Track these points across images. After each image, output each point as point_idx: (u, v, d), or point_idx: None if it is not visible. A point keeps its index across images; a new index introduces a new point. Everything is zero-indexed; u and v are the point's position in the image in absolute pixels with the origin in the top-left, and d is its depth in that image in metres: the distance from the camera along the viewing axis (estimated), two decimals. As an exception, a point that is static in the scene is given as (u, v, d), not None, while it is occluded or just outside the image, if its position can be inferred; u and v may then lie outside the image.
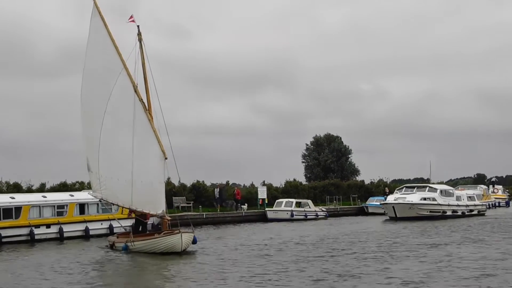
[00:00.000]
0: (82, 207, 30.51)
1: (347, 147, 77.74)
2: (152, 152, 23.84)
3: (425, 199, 44.42)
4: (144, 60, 24.38)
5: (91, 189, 27.22)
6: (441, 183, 69.33)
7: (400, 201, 43.86)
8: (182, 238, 21.35)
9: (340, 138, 78.25)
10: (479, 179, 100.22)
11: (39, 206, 29.20)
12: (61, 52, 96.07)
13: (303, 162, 79.69)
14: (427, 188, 47.20)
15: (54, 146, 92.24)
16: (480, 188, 68.82)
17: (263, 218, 43.65)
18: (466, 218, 44.10)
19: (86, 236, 29.70)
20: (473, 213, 48.15)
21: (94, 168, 25.45)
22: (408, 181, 68.40)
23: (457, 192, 49.83)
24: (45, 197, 30.64)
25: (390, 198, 45.39)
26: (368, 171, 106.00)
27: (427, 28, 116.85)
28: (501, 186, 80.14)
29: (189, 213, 38.16)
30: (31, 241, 27.86)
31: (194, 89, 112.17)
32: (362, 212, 52.45)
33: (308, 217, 44.93)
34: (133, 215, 26.06)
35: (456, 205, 46.64)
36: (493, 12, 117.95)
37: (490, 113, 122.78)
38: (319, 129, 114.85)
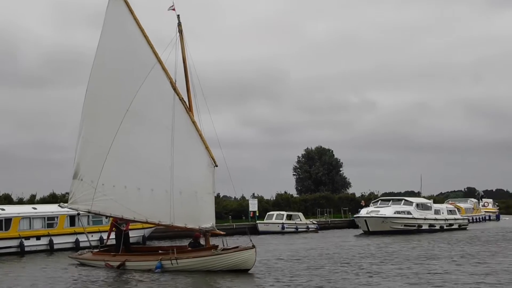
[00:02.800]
0: (72, 219, 30.54)
1: (338, 160, 78.26)
2: (197, 158, 20.99)
3: (399, 212, 43.90)
4: (185, 54, 21.43)
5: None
6: (432, 196, 69.91)
7: (373, 214, 43.23)
8: (256, 254, 19.41)
9: (332, 151, 78.85)
10: (470, 193, 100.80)
11: (29, 218, 29.28)
12: (48, 62, 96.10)
13: (294, 174, 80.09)
14: (403, 201, 46.67)
15: (43, 157, 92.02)
16: (471, 202, 69.49)
17: (254, 231, 43.78)
18: (444, 233, 43.74)
19: (76, 248, 29.58)
20: (453, 227, 47.74)
21: (88, 176, 22.36)
22: (399, 194, 68.79)
23: (436, 206, 49.29)
24: (35, 208, 30.79)
25: (363, 211, 44.80)
26: (359, 184, 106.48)
27: (415, 39, 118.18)
28: (491, 200, 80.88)
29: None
30: (21, 253, 27.89)
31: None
32: (353, 225, 52.63)
33: (299, 229, 45.16)
34: (114, 229, 23.52)
35: (434, 219, 46.16)
36: (482, 23, 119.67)
37: (480, 126, 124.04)
38: (307, 142, 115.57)
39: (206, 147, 21.14)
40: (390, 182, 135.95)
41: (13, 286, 17.98)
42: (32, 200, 39.98)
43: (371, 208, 45.55)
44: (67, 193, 40.48)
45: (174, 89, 21.34)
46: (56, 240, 29.51)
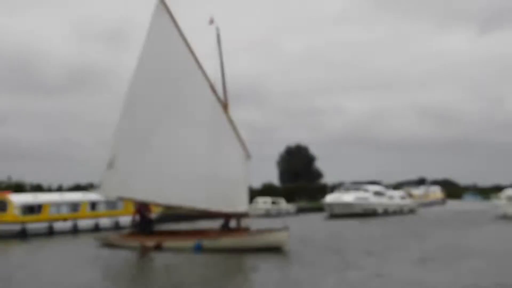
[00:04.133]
0: (93, 204, 31.37)
1: (313, 155, 79.51)
2: (233, 150, 21.60)
3: (358, 198, 45.88)
4: (222, 58, 22.58)
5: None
6: (391, 184, 71.09)
7: (337, 200, 45.18)
8: (289, 235, 19.69)
9: (308, 148, 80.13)
10: (421, 182, 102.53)
11: (58, 204, 29.89)
12: (67, 74, 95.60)
13: (277, 167, 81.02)
14: (362, 189, 48.63)
15: (66, 153, 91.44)
16: (422, 189, 70.81)
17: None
18: (396, 216, 45.79)
19: (96, 229, 30.89)
20: (403, 211, 50.18)
21: (123, 166, 22.10)
22: (364, 183, 69.92)
23: (389, 193, 51.55)
24: (62, 196, 31.21)
25: (329, 198, 46.78)
26: (331, 175, 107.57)
27: (375, 55, 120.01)
28: (438, 187, 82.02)
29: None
30: (50, 233, 28.71)
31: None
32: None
33: (281, 213, 45.93)
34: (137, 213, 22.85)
35: (388, 204, 48.40)
36: (432, 39, 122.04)
37: (430, 126, 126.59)
38: (287, 140, 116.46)
39: (240, 140, 22.09)
40: (357, 174, 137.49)
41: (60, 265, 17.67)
42: (60, 189, 40.75)
43: (335, 194, 47.20)
44: (90, 184, 41.13)
45: (214, 92, 22.47)
46: (79, 223, 30.28)
